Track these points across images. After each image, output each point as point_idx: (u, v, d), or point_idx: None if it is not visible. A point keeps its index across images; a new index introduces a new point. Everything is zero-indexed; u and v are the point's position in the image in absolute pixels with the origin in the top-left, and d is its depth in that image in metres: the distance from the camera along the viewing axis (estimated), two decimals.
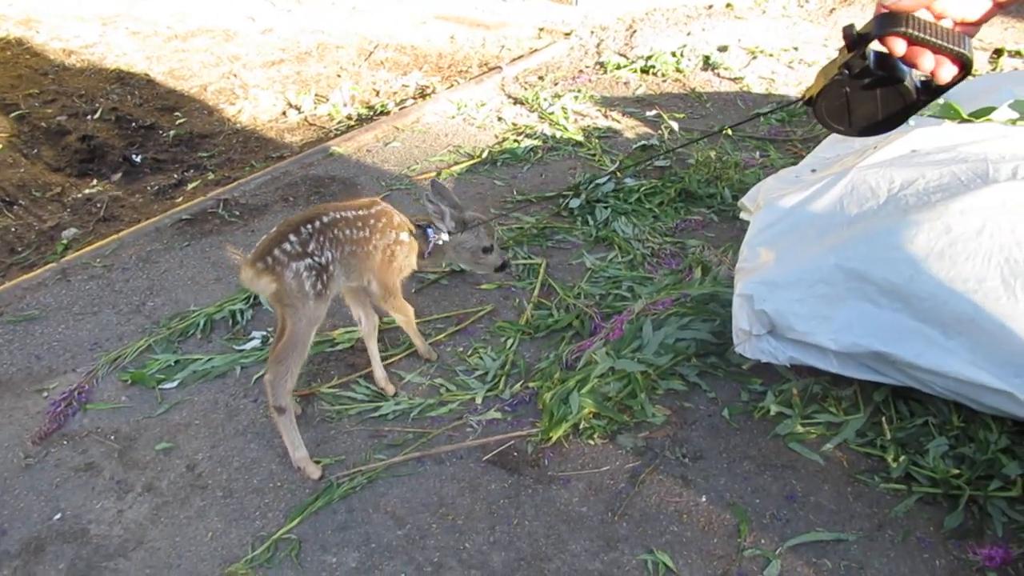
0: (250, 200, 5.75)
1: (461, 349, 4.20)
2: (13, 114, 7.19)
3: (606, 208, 5.33)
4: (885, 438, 3.49)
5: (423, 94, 7.62)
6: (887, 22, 1.72)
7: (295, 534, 3.26)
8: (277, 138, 7.00)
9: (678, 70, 7.64)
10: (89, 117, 7.30)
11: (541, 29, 9.09)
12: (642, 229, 5.11)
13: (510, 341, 4.22)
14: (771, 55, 7.76)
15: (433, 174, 5.99)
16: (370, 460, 3.58)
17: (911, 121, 3.24)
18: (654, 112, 6.83)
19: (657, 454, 3.54)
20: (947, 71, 1.73)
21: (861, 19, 1.94)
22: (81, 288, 4.80)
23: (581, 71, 7.87)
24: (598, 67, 7.91)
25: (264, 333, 4.34)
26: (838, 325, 3.47)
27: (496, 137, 6.59)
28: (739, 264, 3.87)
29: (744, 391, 3.84)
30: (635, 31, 8.65)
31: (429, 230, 3.88)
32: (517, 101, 7.22)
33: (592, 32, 8.79)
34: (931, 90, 1.81)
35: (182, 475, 3.56)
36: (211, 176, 6.36)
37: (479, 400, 3.87)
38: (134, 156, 6.61)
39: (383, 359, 4.01)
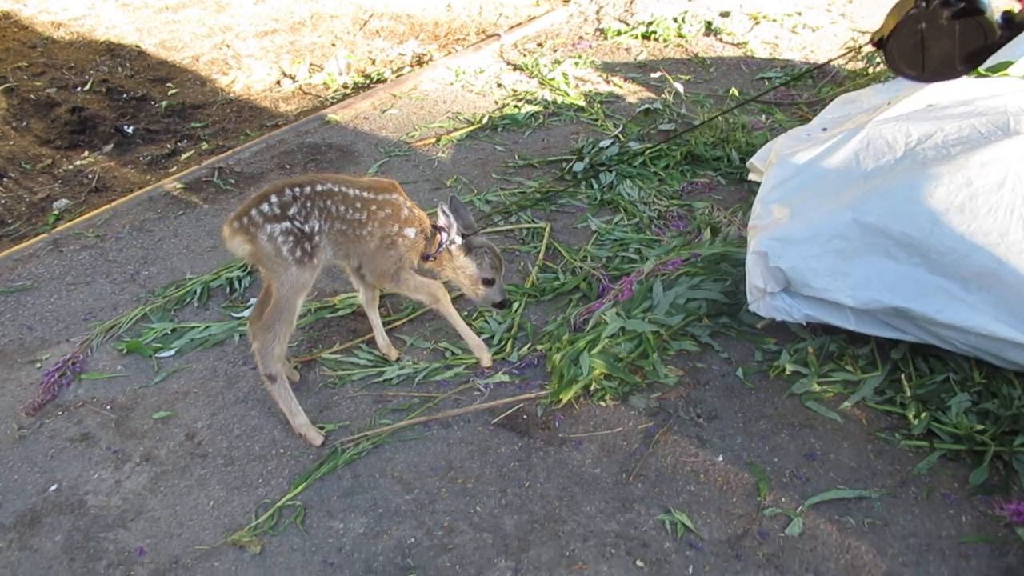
0: (245, 168, 5.62)
1: (465, 314, 4.09)
2: (1, 87, 7.03)
3: (610, 172, 5.20)
4: (905, 395, 3.39)
5: (420, 62, 7.47)
6: None
7: (300, 501, 3.16)
8: (272, 107, 6.85)
9: (680, 35, 7.49)
10: (79, 89, 7.14)
11: None
12: (648, 192, 4.99)
13: (516, 305, 4.11)
14: (775, 20, 7.61)
15: (432, 140, 5.86)
16: (375, 425, 3.48)
17: None
18: (658, 74, 6.68)
19: (671, 414, 3.45)
20: None
21: None
22: (74, 258, 4.67)
23: (581, 38, 7.72)
24: (598, 34, 7.76)
25: None
26: (856, 281, 3.37)
27: (496, 103, 6.45)
28: (752, 221, 3.76)
29: (758, 351, 3.74)
30: None
31: (444, 235, 3.63)
32: (516, 67, 7.07)
33: None
34: (1013, 25, 1.69)
35: (181, 444, 3.45)
36: (205, 146, 6.22)
37: (486, 362, 3.76)
38: (126, 127, 6.47)
39: (385, 324, 3.90)
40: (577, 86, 6.65)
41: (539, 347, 3.82)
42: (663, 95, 6.25)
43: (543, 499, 3.12)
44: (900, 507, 2.99)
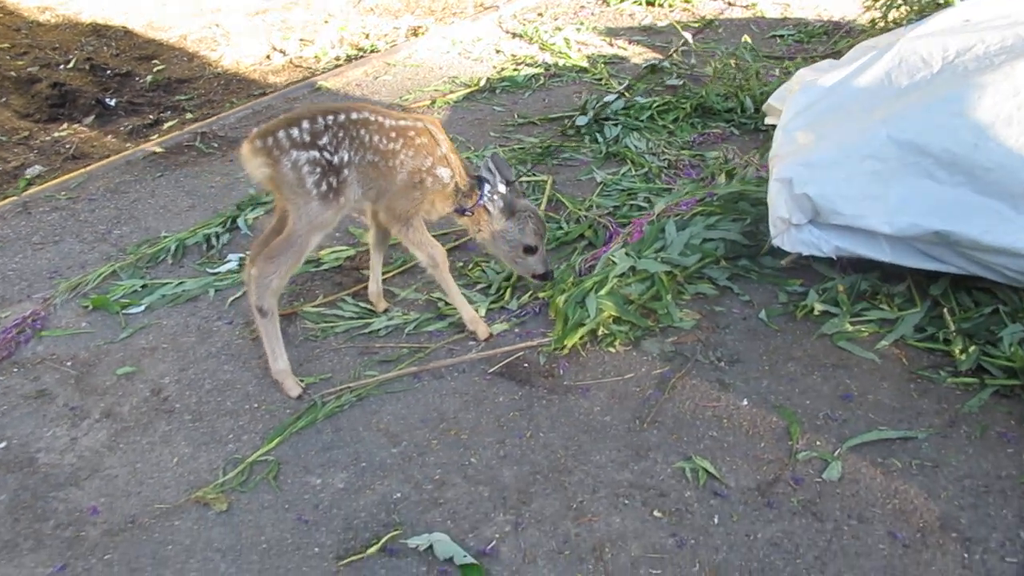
0: (230, 133, 5.30)
1: (461, 264, 3.75)
2: None
3: (616, 126, 4.87)
4: (949, 330, 3.04)
5: (415, 33, 7.16)
6: None
7: (274, 456, 2.82)
8: (261, 79, 6.54)
9: (686, 0, 7.17)
10: (62, 67, 6.84)
11: None
12: (656, 144, 4.66)
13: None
14: None
15: (428, 103, 5.54)
16: (359, 377, 3.13)
17: None
18: (664, 32, 6.34)
19: (688, 358, 3.10)
20: None
21: None
22: (42, 219, 4.35)
23: (583, 7, 7.41)
24: (601, 2, 7.44)
25: (241, 255, 3.89)
26: (892, 205, 3.03)
27: (494, 68, 6.13)
28: (773, 152, 3.42)
29: (782, 292, 3.40)
30: None
31: (486, 186, 3.27)
32: (516, 35, 6.76)
33: None
34: None
35: (146, 400, 3.12)
36: (189, 115, 5.91)
37: (482, 312, 3.42)
38: (107, 100, 6.16)
39: None
40: (579, 50, 6.33)
41: (541, 295, 3.48)
42: (670, 54, 5.91)
43: (546, 449, 2.77)
44: (951, 447, 2.63)
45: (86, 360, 3.32)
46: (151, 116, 5.96)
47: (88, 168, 4.89)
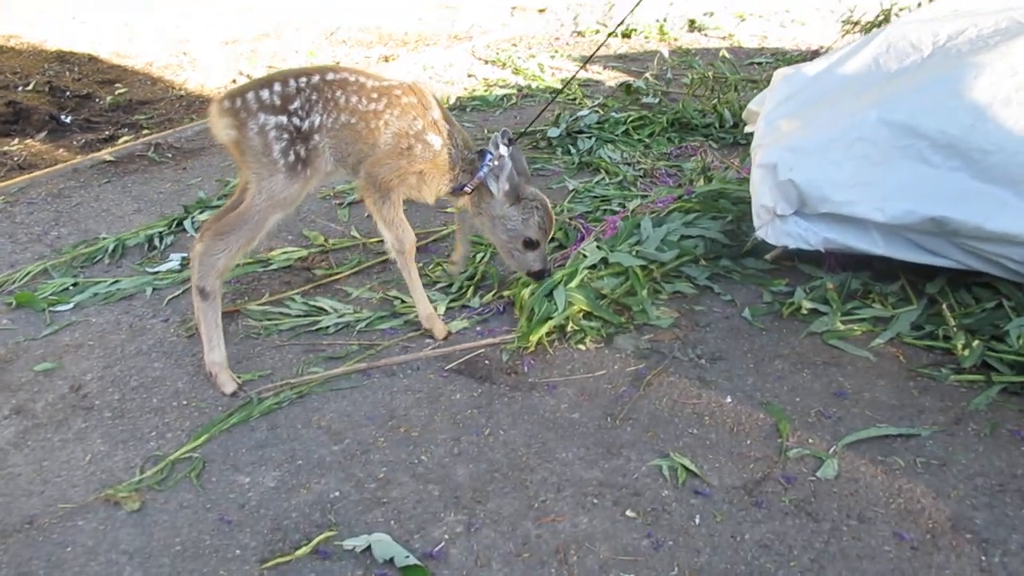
0: (186, 145, 5.05)
1: (421, 264, 3.47)
2: None
3: (589, 139, 4.67)
4: (949, 327, 2.78)
5: (386, 60, 7.00)
6: None
7: (199, 454, 2.49)
8: None
9: (662, 32, 7.08)
10: (20, 88, 6.60)
11: (514, 8, 8.55)
12: (632, 155, 4.45)
13: (479, 255, 3.51)
14: (761, 16, 7.23)
15: None
16: (302, 375, 2.82)
17: None
18: (641, 52, 6.21)
19: (665, 355, 2.82)
20: None
21: None
22: None
23: (557, 37, 7.30)
24: (575, 35, 7.34)
25: (184, 255, 3.59)
26: (885, 191, 2.80)
27: (466, 89, 5.94)
28: (755, 142, 3.20)
29: (766, 292, 3.14)
30: (614, 4, 8.11)
31: (487, 158, 2.92)
32: (489, 62, 6.61)
33: (568, 7, 8.25)
34: None
35: (63, 396, 2.78)
36: (146, 132, 5.65)
37: (441, 310, 3.13)
38: (63, 116, 5.90)
39: (327, 277, 3.29)
40: (553, 74, 6.18)
41: (506, 293, 3.21)
42: (645, 75, 5.75)
43: (506, 447, 2.46)
44: (958, 445, 2.36)
45: (2, 356, 2.99)
46: (107, 132, 5.70)
47: (31, 176, 4.60)
